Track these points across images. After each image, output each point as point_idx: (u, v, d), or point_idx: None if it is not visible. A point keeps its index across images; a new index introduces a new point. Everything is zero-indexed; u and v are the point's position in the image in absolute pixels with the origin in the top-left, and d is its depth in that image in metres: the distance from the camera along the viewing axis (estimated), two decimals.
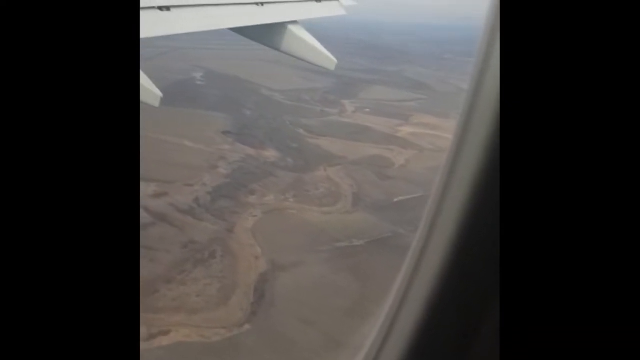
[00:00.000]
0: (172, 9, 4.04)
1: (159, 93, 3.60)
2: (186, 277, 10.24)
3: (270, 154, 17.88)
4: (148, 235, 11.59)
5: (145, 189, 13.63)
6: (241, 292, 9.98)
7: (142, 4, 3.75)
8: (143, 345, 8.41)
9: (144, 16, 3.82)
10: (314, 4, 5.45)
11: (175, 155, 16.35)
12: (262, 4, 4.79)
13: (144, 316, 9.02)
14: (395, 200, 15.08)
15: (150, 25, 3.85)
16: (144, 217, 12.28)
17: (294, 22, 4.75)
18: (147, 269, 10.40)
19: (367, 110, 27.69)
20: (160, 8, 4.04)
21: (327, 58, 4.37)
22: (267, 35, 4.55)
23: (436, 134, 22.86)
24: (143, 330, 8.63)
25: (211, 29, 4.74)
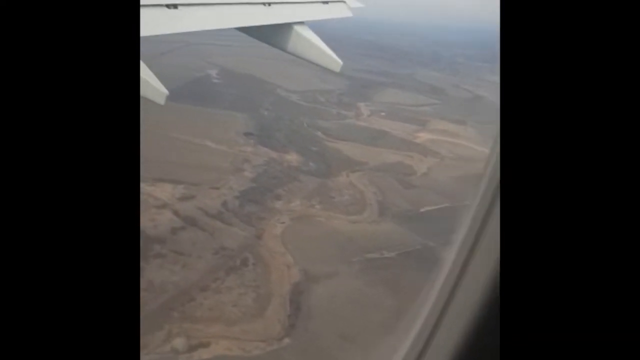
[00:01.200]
0: (179, 7, 4.02)
1: (165, 90, 3.54)
2: (220, 285, 10.12)
3: (293, 157, 17.76)
4: (179, 240, 11.48)
5: (173, 192, 13.52)
6: (277, 302, 9.85)
7: (149, 1, 3.70)
8: (182, 359, 8.30)
9: (151, 13, 3.79)
10: (321, 5, 5.41)
11: (200, 156, 16.23)
12: (269, 4, 4.76)
13: (183, 325, 8.91)
14: (422, 210, 14.98)
15: (158, 23, 3.83)
16: (174, 220, 12.17)
17: (300, 23, 4.71)
18: (181, 276, 10.29)
19: (383, 114, 27.59)
20: (168, 6, 4.02)
21: (332, 60, 4.36)
22: (273, 35, 4.59)
23: (455, 142, 22.79)
24: (182, 341, 8.51)
25: (218, 28, 4.75)
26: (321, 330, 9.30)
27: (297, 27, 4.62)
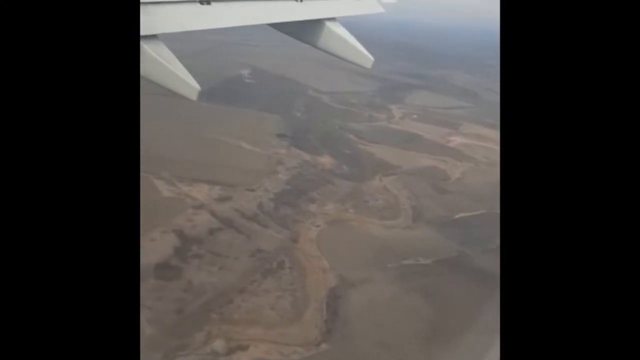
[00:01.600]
0: (212, 3, 4.06)
1: (197, 86, 3.50)
2: (258, 288, 10.17)
3: (326, 160, 17.75)
4: (217, 241, 11.57)
5: (210, 192, 13.64)
6: (313, 307, 9.86)
7: None
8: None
9: (185, 9, 3.83)
10: (352, 1, 5.38)
11: (235, 157, 16.34)
12: (301, 0, 4.74)
13: (222, 327, 8.98)
14: (457, 216, 14.81)
15: (191, 19, 3.85)
16: (211, 221, 12.28)
17: (331, 19, 4.71)
18: (219, 277, 10.38)
19: (415, 116, 27.39)
20: (201, 2, 4.06)
21: (364, 56, 4.35)
22: (304, 31, 4.50)
23: (488, 146, 22.45)
24: (222, 344, 8.57)
25: (250, 24, 4.79)
26: (358, 337, 9.26)
27: (328, 24, 4.62)
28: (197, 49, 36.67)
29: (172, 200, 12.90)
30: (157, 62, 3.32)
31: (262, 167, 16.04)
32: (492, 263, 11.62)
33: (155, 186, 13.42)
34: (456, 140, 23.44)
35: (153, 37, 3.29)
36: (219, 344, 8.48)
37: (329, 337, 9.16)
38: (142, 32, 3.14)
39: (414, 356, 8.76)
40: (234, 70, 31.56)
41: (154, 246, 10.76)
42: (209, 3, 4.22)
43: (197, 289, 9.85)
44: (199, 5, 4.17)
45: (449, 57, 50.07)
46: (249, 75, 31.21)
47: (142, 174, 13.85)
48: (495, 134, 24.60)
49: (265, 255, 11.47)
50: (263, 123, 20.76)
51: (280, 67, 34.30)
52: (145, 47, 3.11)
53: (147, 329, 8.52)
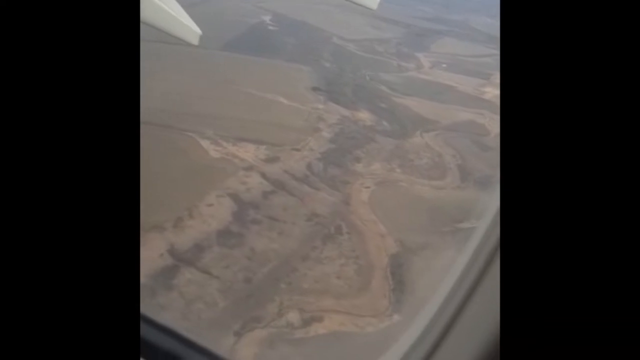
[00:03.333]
0: None
1: (198, 30, 3.32)
2: (320, 255, 10.06)
3: (364, 115, 17.36)
4: (272, 205, 11.40)
5: (256, 152, 13.37)
6: (379, 275, 9.78)
7: None
8: (299, 334, 8.33)
9: None
10: None
11: (275, 114, 15.96)
12: None
13: (293, 298, 8.92)
14: None
15: None
16: (263, 184, 12.06)
17: None
18: (280, 243, 10.27)
19: (444, 65, 26.52)
20: None
21: None
22: None
23: None
24: (295, 315, 8.52)
25: None
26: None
27: None
28: None
29: (221, 161, 12.63)
30: (157, 6, 3.12)
31: (304, 124, 15.67)
32: None
33: (202, 146, 13.10)
34: (490, 92, 22.79)
35: None
36: (293, 316, 8.43)
37: (399, 307, 9.10)
38: None
39: None
40: (255, 17, 30.42)
41: (212, 211, 10.59)
42: None
43: (261, 257, 9.74)
44: None
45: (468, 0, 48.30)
46: (271, 22, 30.13)
47: (185, 134, 13.56)
48: None
49: (321, 219, 11.29)
50: (295, 75, 20.20)
51: (300, 12, 33.09)
52: None
53: (220, 301, 8.46)
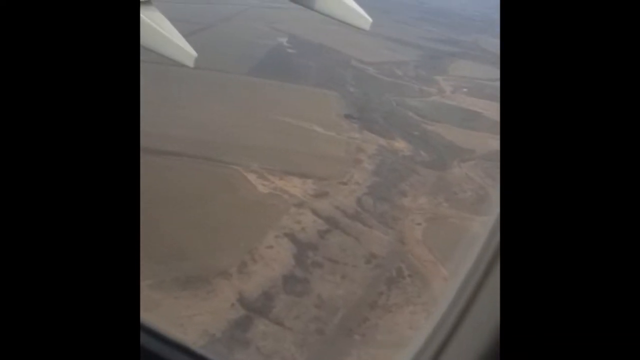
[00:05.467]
0: None
1: (193, 52, 3.30)
2: (387, 302, 9.68)
3: (401, 145, 17.12)
4: (330, 245, 11.03)
5: (304, 187, 13.01)
6: None
7: None
8: None
9: None
10: None
11: (314, 144, 15.66)
12: None
13: (369, 351, 8.51)
14: None
15: None
16: (317, 222, 11.70)
17: None
18: (345, 289, 9.88)
19: (465, 90, 26.50)
20: None
21: (362, 18, 4.18)
22: None
23: None
24: None
25: None
26: None
27: None
28: (226, 14, 35.46)
29: (271, 197, 12.26)
30: (152, 28, 3.20)
31: (344, 154, 15.37)
32: None
33: (249, 181, 12.72)
34: None
35: (147, 3, 3.18)
36: None
37: None
38: None
39: None
40: (272, 39, 30.42)
41: (273, 254, 10.19)
42: None
43: (329, 304, 9.34)
44: None
45: (471, 19, 48.68)
46: (289, 44, 30.07)
47: (230, 167, 13.19)
48: None
49: (381, 261, 10.94)
50: (324, 101, 19.98)
51: (314, 33, 33.11)
52: (140, 15, 2.93)
53: (297, 356, 8.04)
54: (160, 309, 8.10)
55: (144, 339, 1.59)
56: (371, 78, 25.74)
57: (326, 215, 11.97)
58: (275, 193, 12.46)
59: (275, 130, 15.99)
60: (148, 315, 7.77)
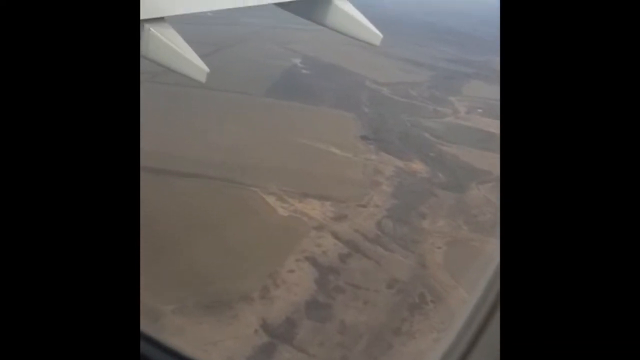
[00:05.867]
0: None
1: (206, 68, 3.42)
2: (411, 328, 9.55)
3: (418, 166, 17.05)
4: (351, 270, 10.94)
5: (323, 209, 12.96)
6: None
7: None
8: None
9: None
10: None
11: (331, 166, 15.64)
12: None
13: None
14: None
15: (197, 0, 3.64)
16: (337, 245, 11.63)
17: None
18: (368, 315, 9.76)
19: (480, 111, 26.44)
20: None
21: (373, 33, 4.17)
22: (312, 9, 4.40)
23: None
24: None
25: (257, 4, 4.66)
26: None
27: (336, 1, 4.31)
28: (240, 35, 35.82)
29: (291, 220, 12.22)
30: (165, 44, 3.27)
31: (362, 176, 15.33)
32: None
33: (269, 203, 12.70)
34: None
35: (160, 19, 3.24)
36: None
37: None
38: (149, 15, 3.16)
39: None
40: (286, 60, 30.66)
41: (295, 279, 10.12)
42: None
43: (353, 331, 9.23)
44: None
45: (481, 39, 48.73)
46: (303, 65, 30.27)
47: (250, 189, 13.18)
48: None
49: (403, 286, 10.82)
50: (341, 122, 20.03)
51: (328, 54, 33.36)
52: (152, 30, 3.16)
53: None
54: (185, 335, 8.05)
55: (143, 348, 1.57)
56: (386, 99, 25.79)
57: (346, 239, 11.90)
58: (295, 216, 12.42)
59: (292, 152, 16.02)
60: (173, 341, 7.71)
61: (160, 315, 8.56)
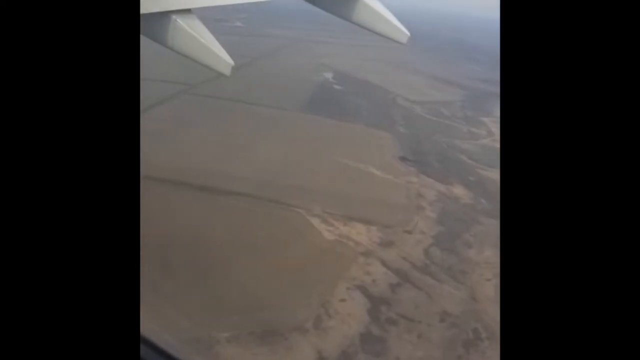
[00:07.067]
0: None
1: (231, 61, 3.41)
2: None
3: (460, 191, 16.72)
4: (402, 301, 10.60)
5: (369, 234, 12.66)
6: None
7: None
8: None
9: None
10: None
11: (373, 188, 15.36)
12: None
13: None
14: None
15: None
16: (387, 274, 11.30)
17: None
18: (423, 350, 9.40)
19: None
20: None
21: (400, 31, 4.13)
22: (340, 5, 4.36)
23: None
24: None
25: None
26: None
27: None
28: (270, 48, 35.79)
29: (337, 245, 11.92)
30: (191, 36, 3.37)
31: (405, 200, 15.01)
32: None
33: (314, 226, 12.42)
34: None
35: (187, 11, 3.34)
36: None
37: None
38: (175, 6, 3.25)
39: None
40: (317, 74, 30.64)
41: (347, 309, 9.79)
42: None
43: None
44: None
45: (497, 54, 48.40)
46: (334, 80, 30.22)
47: (295, 210, 12.92)
48: None
49: (455, 320, 10.44)
50: (378, 142, 19.78)
51: (358, 69, 33.44)
52: (179, 22, 3.23)
53: None
54: None
55: (144, 352, 1.61)
56: (419, 118, 25.51)
57: (395, 267, 11.57)
58: (341, 240, 12.12)
59: (333, 172, 15.76)
60: None
61: (214, 342, 8.28)
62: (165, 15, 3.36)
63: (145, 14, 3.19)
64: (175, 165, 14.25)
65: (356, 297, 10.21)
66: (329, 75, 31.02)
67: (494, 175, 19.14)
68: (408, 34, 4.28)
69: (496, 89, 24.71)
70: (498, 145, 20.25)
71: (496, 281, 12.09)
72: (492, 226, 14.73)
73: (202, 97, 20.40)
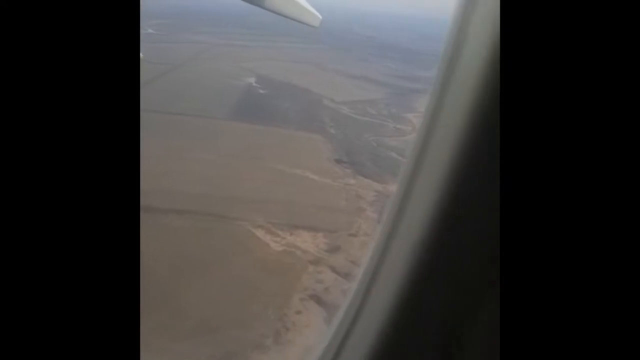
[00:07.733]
0: None
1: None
2: None
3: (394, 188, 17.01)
4: None
5: (315, 241, 12.63)
6: None
7: None
8: None
9: None
10: None
11: (312, 193, 15.33)
12: None
13: None
14: None
15: None
16: (338, 280, 11.30)
17: None
18: None
19: None
20: None
21: (312, 15, 4.47)
22: None
23: None
24: None
25: None
26: None
27: None
28: (190, 54, 34.92)
29: (286, 255, 11.77)
30: None
31: (345, 203, 15.11)
32: None
33: (259, 237, 12.19)
34: None
35: None
36: None
37: None
38: None
39: None
40: (241, 79, 30.23)
41: (304, 320, 9.67)
42: None
43: None
44: None
45: (427, 54, 50.38)
46: (258, 84, 29.90)
47: (237, 223, 12.62)
48: None
49: None
50: (310, 145, 19.78)
51: (281, 72, 33.30)
52: None
53: None
54: None
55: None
56: (347, 118, 25.78)
57: (345, 272, 11.58)
58: (289, 250, 11.98)
59: (270, 179, 15.56)
60: None
61: None
62: None
63: None
64: None
65: (311, 307, 10.11)
66: (252, 80, 30.67)
67: None
68: (320, 17, 4.29)
69: (414, 85, 25.67)
70: None
71: None
72: None
73: None
